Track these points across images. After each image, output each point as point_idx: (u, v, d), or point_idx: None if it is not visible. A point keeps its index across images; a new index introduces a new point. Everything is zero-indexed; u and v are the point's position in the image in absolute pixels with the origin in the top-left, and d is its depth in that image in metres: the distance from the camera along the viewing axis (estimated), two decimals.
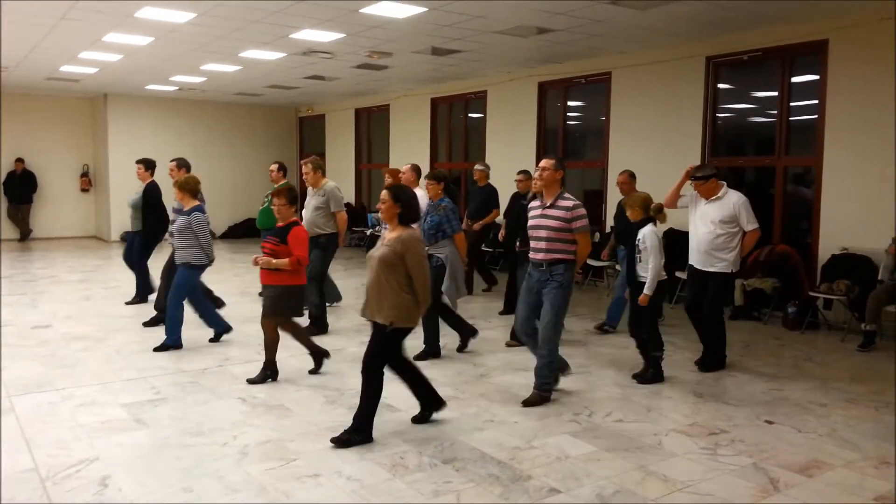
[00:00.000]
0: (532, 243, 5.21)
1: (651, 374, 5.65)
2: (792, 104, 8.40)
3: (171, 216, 7.56)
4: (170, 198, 7.62)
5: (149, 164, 8.56)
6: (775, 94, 8.53)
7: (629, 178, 7.59)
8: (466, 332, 6.65)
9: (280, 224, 5.67)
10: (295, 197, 5.70)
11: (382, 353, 4.41)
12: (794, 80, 8.40)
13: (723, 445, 4.39)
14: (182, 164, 8.05)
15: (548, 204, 5.15)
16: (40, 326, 7.47)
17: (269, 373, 5.67)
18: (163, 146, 14.36)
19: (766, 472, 4.00)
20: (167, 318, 6.54)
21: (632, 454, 4.23)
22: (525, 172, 8.38)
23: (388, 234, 4.43)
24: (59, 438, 4.39)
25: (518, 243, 7.16)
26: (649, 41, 9.11)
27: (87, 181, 16.59)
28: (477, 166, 9.82)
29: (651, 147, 9.69)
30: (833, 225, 7.83)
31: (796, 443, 4.46)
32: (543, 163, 5.20)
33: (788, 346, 6.99)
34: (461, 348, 6.62)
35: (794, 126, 8.44)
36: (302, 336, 5.85)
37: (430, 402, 4.72)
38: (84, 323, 7.65)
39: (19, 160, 15.64)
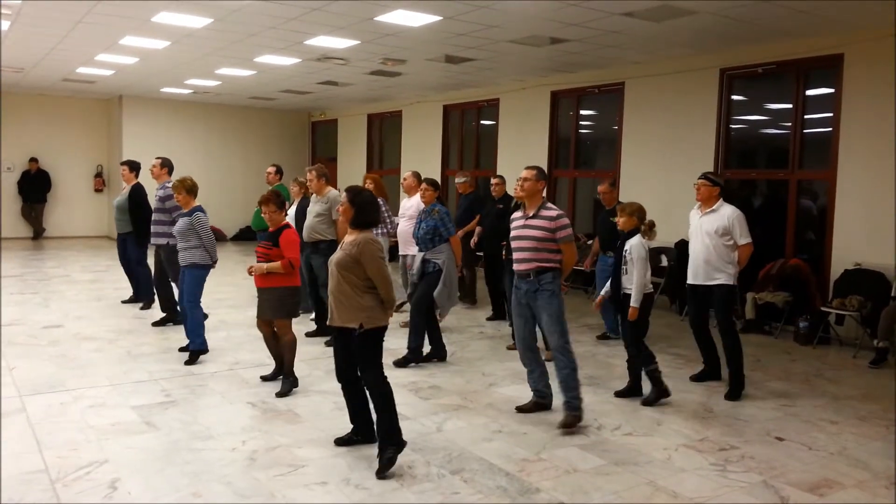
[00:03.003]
0: (515, 254, 5.11)
1: (654, 392, 5.47)
2: (806, 117, 8.38)
3: (155, 216, 7.60)
4: (152, 198, 7.81)
5: (133, 166, 8.61)
6: (789, 106, 8.51)
7: (610, 188, 7.62)
8: (439, 350, 6.51)
9: (271, 229, 5.70)
10: (283, 202, 5.74)
11: (372, 359, 4.26)
12: (809, 93, 8.37)
13: (732, 462, 4.36)
14: (165, 164, 7.98)
15: (530, 214, 5.05)
16: (52, 326, 7.52)
17: (292, 379, 5.70)
18: (177, 148, 14.45)
19: (776, 490, 3.98)
20: (188, 322, 6.53)
21: (641, 469, 4.22)
22: (500, 177, 8.42)
23: (346, 238, 4.35)
24: (69, 440, 4.42)
25: (503, 252, 7.16)
26: (663, 52, 9.10)
27: (101, 182, 16.72)
28: (457, 178, 9.59)
29: (663, 157, 9.68)
30: (846, 239, 7.79)
31: (807, 461, 4.43)
32: (525, 173, 5.08)
33: (799, 362, 6.95)
34: (418, 360, 6.41)
35: (808, 139, 8.41)
36: (291, 349, 5.70)
37: (365, 431, 4.43)
38: (95, 323, 7.70)
39: (34, 160, 15.78)
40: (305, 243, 7.29)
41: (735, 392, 5.77)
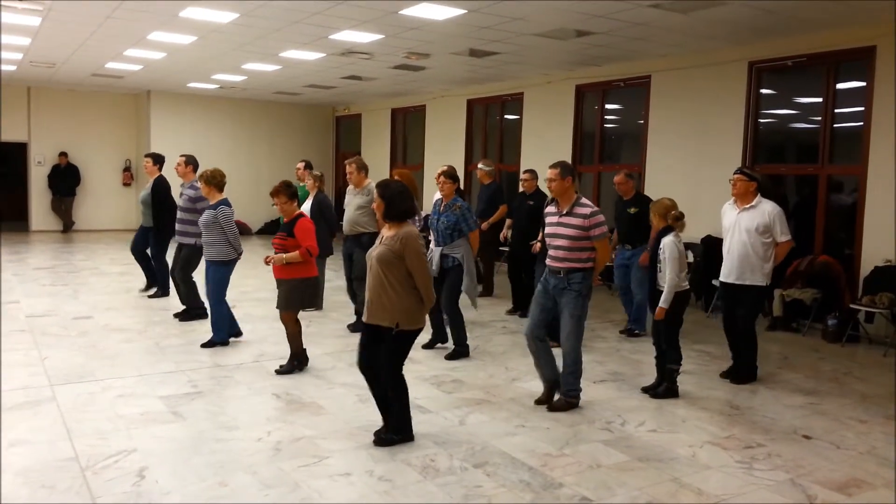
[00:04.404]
0: (550, 251, 5.12)
1: (664, 388, 5.47)
2: (837, 111, 8.22)
3: (178, 214, 7.61)
4: (177, 192, 7.81)
5: (157, 159, 8.64)
6: (819, 100, 8.36)
7: (626, 179, 7.54)
8: (462, 347, 6.49)
9: (286, 220, 5.80)
10: (294, 193, 5.81)
11: (397, 359, 4.32)
12: (840, 86, 8.22)
13: (759, 459, 4.31)
14: (190, 161, 7.93)
15: (564, 212, 5.03)
16: (82, 317, 7.65)
17: (296, 363, 5.82)
18: (203, 143, 14.62)
19: (804, 489, 3.93)
20: (212, 317, 6.61)
21: (665, 465, 4.18)
22: (531, 171, 8.34)
23: (386, 233, 4.33)
24: (98, 429, 4.49)
25: (536, 245, 7.15)
26: (691, 45, 8.99)
27: (129, 175, 16.96)
28: (479, 165, 9.56)
29: (690, 151, 9.57)
30: (877, 236, 7.64)
31: (835, 460, 4.37)
32: (549, 172, 5.04)
33: (828, 360, 6.84)
34: (449, 354, 6.44)
35: (838, 133, 8.26)
36: (295, 335, 5.85)
37: (395, 426, 4.39)
38: (124, 315, 7.82)
39: (63, 154, 16.04)
40: (347, 236, 7.32)
41: (743, 376, 5.91)
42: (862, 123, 7.85)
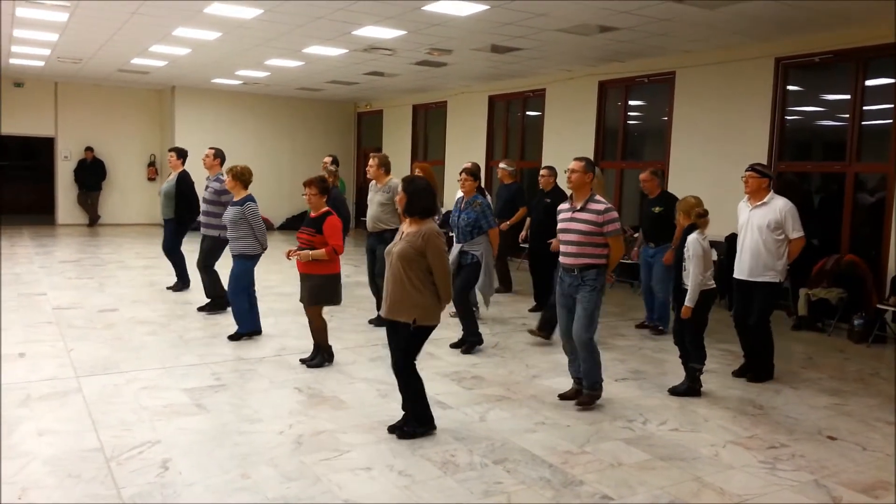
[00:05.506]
0: (562, 247, 5.12)
1: (686, 387, 5.43)
2: (865, 108, 8.09)
3: (203, 206, 7.67)
4: (200, 187, 7.85)
5: (181, 153, 8.73)
6: (847, 97, 8.23)
7: (651, 176, 7.49)
8: (474, 337, 6.53)
9: (313, 214, 5.79)
10: (326, 187, 5.80)
11: (411, 354, 4.35)
12: (868, 83, 8.08)
13: (782, 460, 4.27)
14: (218, 154, 7.98)
15: (578, 207, 5.03)
16: (107, 310, 7.75)
17: (325, 356, 5.87)
18: (227, 138, 14.68)
19: (828, 490, 3.88)
20: (233, 311, 6.67)
21: (687, 464, 4.15)
22: (549, 168, 8.29)
23: (407, 229, 4.33)
24: (122, 420, 4.55)
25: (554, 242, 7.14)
26: (716, 41, 8.89)
27: (154, 170, 17.15)
28: (501, 165, 9.49)
29: (715, 149, 9.47)
30: None
31: (860, 461, 4.30)
32: (573, 164, 5.07)
33: (853, 360, 6.74)
34: (459, 346, 6.49)
35: (866, 131, 8.12)
36: (321, 329, 5.89)
37: (416, 419, 4.40)
38: (149, 308, 7.91)
39: (89, 149, 16.26)
40: (370, 233, 7.36)
41: (760, 375, 5.85)
42: (891, 121, 7.71)
